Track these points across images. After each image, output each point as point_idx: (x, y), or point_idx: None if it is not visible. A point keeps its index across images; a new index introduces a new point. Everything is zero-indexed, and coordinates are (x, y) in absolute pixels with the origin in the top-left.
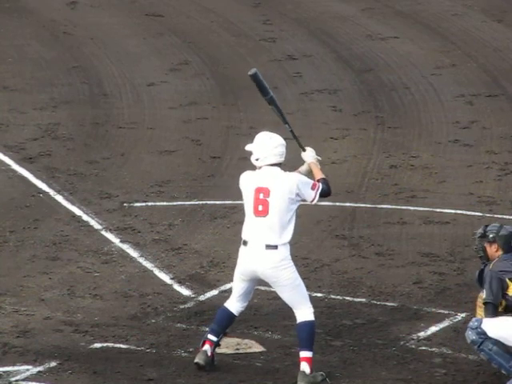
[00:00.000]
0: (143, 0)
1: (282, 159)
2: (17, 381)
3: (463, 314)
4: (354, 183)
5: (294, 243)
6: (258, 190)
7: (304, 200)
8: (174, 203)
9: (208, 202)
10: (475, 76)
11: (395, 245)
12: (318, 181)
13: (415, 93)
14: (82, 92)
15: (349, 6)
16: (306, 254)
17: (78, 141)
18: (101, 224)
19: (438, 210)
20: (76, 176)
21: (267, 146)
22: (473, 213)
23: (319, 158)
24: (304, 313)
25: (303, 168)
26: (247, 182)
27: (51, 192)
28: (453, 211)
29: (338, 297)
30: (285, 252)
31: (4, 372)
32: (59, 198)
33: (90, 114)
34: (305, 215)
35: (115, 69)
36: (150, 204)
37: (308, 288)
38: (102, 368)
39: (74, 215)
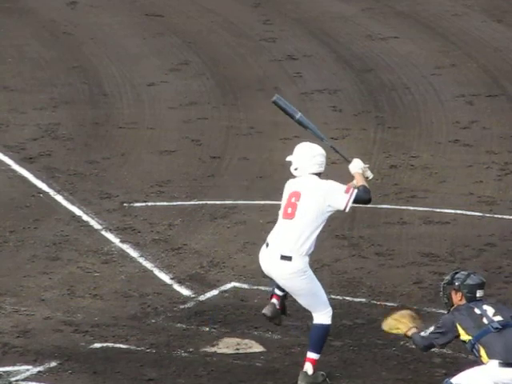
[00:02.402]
0: (143, 0)
1: (322, 169)
2: (17, 381)
3: None
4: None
5: None
6: (292, 194)
7: (337, 209)
8: (174, 203)
9: (208, 202)
10: (475, 76)
11: (395, 245)
12: (357, 187)
13: (415, 93)
14: (82, 92)
15: (349, 6)
16: None
17: (78, 141)
18: (101, 224)
19: (438, 210)
20: (76, 176)
21: (306, 155)
22: (473, 213)
23: (367, 165)
24: (320, 317)
25: (353, 182)
26: (287, 188)
27: (51, 192)
28: (453, 211)
29: (338, 297)
30: (300, 264)
31: (4, 372)
32: (59, 198)
33: (90, 114)
34: None
35: (115, 69)
36: (149, 204)
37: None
38: (102, 368)
39: (74, 215)
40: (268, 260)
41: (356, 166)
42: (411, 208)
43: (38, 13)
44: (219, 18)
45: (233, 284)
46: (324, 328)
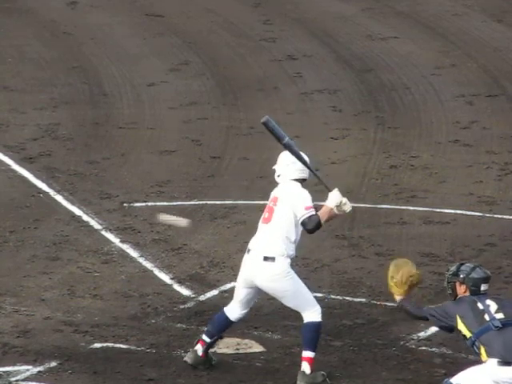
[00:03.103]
0: (143, 0)
1: (304, 175)
2: (17, 381)
3: None
4: (354, 183)
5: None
6: (271, 200)
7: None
8: (174, 203)
9: (208, 202)
10: (475, 76)
11: (395, 245)
12: (315, 214)
13: (415, 93)
14: (82, 92)
15: (349, 5)
16: (305, 254)
17: (78, 141)
18: (101, 224)
19: (438, 210)
20: (76, 176)
21: (285, 162)
22: (473, 213)
23: (345, 198)
24: (310, 315)
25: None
26: (271, 195)
27: (51, 192)
28: (453, 211)
29: (338, 297)
30: (283, 264)
31: (4, 372)
32: (59, 198)
33: (90, 114)
34: None
35: (115, 69)
36: (149, 204)
37: (308, 288)
38: (102, 368)
39: (73, 215)
40: (250, 264)
41: (332, 200)
42: (411, 208)
43: (38, 13)
44: (219, 18)
45: (233, 284)
46: (315, 325)
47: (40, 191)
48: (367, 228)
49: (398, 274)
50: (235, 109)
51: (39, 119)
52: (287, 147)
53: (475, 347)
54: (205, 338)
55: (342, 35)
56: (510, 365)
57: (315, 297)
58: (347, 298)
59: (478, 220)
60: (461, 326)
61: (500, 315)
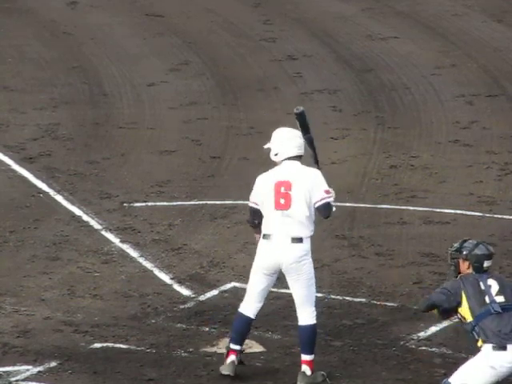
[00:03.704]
0: (143, 0)
1: (302, 151)
2: (17, 381)
3: None
4: (354, 183)
5: None
6: (279, 184)
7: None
8: (174, 203)
9: (208, 202)
10: (475, 76)
11: (395, 245)
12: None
13: (415, 93)
14: (82, 92)
15: (349, 5)
16: None
17: (78, 141)
18: (101, 224)
19: (438, 209)
20: (76, 176)
21: (283, 138)
22: (473, 213)
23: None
24: (308, 315)
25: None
26: (264, 180)
27: (51, 192)
28: (453, 211)
29: (338, 297)
30: (308, 245)
31: (4, 372)
32: (59, 198)
33: (90, 114)
34: None
35: (115, 69)
36: (149, 204)
37: None
38: (102, 368)
39: (73, 215)
40: (276, 248)
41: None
42: (411, 208)
43: (38, 13)
44: (219, 18)
45: (233, 284)
46: (312, 328)
47: (40, 191)
48: (367, 228)
49: None
50: (235, 109)
51: (39, 119)
52: (309, 140)
53: (475, 333)
54: (233, 346)
55: (342, 35)
56: (505, 349)
57: (315, 297)
58: (347, 298)
59: (478, 220)
60: (464, 306)
61: (501, 298)
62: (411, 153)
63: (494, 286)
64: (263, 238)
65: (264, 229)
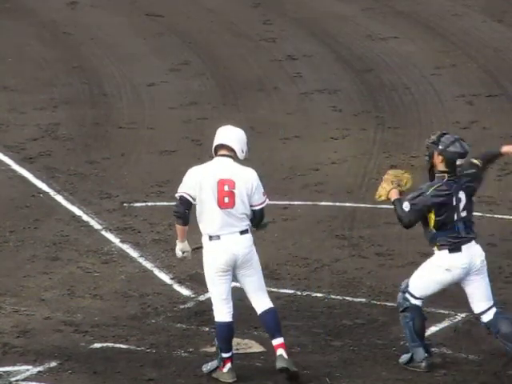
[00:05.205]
0: (143, 0)
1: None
2: (17, 381)
3: (463, 314)
4: (354, 183)
5: (293, 243)
6: (222, 182)
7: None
8: (174, 203)
9: None
10: (475, 76)
11: (395, 245)
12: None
13: (415, 93)
14: (82, 92)
15: (349, 5)
16: (306, 254)
17: (78, 141)
18: (101, 224)
19: None
20: (76, 176)
21: (244, 138)
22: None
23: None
24: (267, 300)
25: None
26: (203, 176)
27: (51, 192)
28: None
29: (338, 297)
30: (252, 236)
31: (4, 372)
32: (59, 198)
33: (90, 114)
34: (305, 215)
35: (115, 69)
36: (149, 204)
37: (308, 288)
38: (102, 368)
39: (74, 215)
40: (228, 246)
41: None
42: None
43: (38, 13)
44: (219, 18)
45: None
46: (275, 310)
47: (40, 191)
48: (367, 228)
49: (386, 175)
50: (235, 109)
51: (39, 119)
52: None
53: (434, 241)
54: (225, 355)
55: (342, 35)
56: (460, 250)
57: (315, 297)
58: (347, 298)
59: (478, 220)
60: (431, 218)
61: (464, 213)
62: (411, 153)
63: (462, 199)
64: (210, 239)
65: (209, 230)
